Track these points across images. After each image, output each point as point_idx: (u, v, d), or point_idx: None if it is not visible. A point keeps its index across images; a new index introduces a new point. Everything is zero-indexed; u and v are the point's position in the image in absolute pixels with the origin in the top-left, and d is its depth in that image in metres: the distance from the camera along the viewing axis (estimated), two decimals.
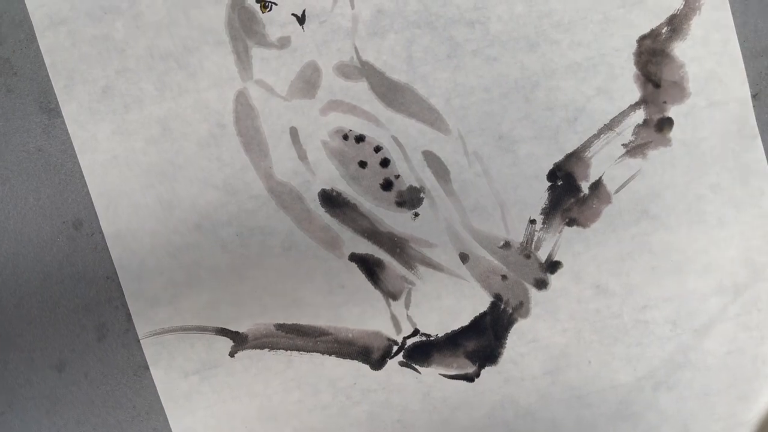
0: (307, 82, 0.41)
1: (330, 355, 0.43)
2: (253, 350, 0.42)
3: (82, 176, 0.40)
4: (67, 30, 0.40)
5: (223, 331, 0.42)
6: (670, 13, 0.41)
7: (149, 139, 0.40)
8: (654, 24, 0.41)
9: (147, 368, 0.42)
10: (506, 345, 0.43)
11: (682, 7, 0.41)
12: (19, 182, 0.40)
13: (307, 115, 0.41)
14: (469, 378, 0.43)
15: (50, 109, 0.40)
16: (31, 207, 0.40)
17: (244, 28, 0.40)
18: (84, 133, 0.40)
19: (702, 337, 0.43)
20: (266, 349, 0.42)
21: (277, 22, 0.40)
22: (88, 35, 0.40)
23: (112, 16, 0.40)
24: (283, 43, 0.40)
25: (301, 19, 0.40)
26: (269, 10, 0.40)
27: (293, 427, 0.43)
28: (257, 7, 0.40)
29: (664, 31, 0.41)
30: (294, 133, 0.41)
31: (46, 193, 0.40)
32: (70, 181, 0.40)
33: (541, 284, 0.43)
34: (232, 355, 0.42)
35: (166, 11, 0.40)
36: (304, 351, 0.42)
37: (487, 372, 0.43)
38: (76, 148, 0.40)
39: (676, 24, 0.41)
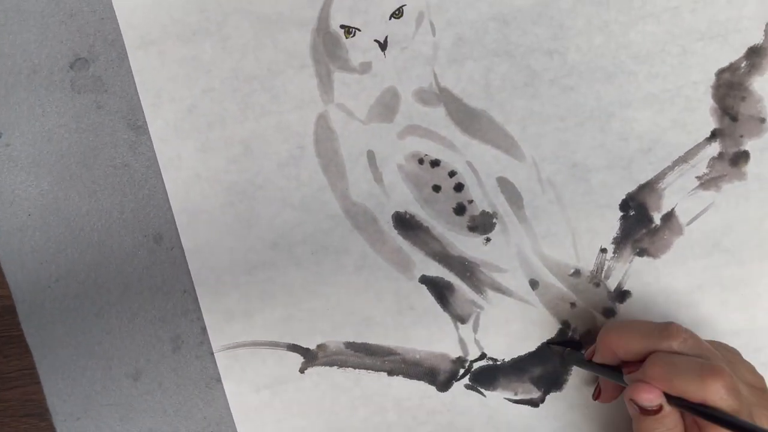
0: (386, 106, 0.40)
1: (397, 375, 0.42)
2: (323, 367, 0.41)
3: (165, 192, 0.40)
4: (157, 50, 0.40)
5: (294, 347, 0.41)
6: (750, 47, 0.40)
7: (231, 158, 0.40)
8: (733, 58, 0.40)
9: (219, 381, 0.42)
10: (572, 372, 0.42)
11: (761, 42, 0.39)
12: (105, 196, 0.40)
13: (384, 139, 0.40)
14: (534, 403, 0.42)
15: (137, 126, 0.40)
16: (115, 220, 0.41)
17: (328, 53, 0.40)
18: (169, 151, 0.40)
19: None
20: (335, 367, 0.42)
21: (359, 47, 0.39)
22: (177, 56, 0.40)
23: (200, 37, 0.39)
24: (365, 68, 0.40)
25: (383, 46, 0.39)
26: (353, 36, 0.39)
27: None
28: (341, 32, 0.39)
29: (743, 65, 0.40)
30: (371, 156, 0.40)
31: (129, 207, 0.41)
32: (153, 196, 0.40)
33: (610, 313, 0.41)
34: (302, 371, 0.41)
35: (252, 34, 0.40)
36: (372, 370, 0.42)
37: (551, 398, 0.42)
38: (160, 165, 0.40)
39: (755, 58, 0.40)
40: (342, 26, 0.39)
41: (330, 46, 0.39)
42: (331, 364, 0.41)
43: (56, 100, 0.39)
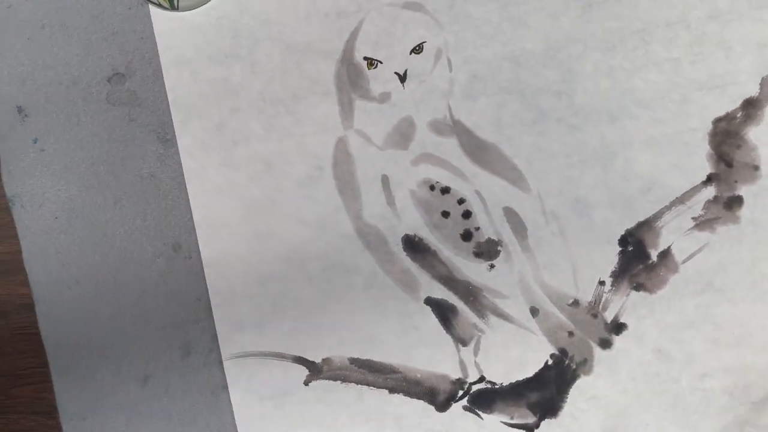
0: (403, 134, 0.43)
1: (398, 393, 0.43)
2: (327, 381, 0.43)
3: (188, 203, 0.42)
4: (190, 70, 0.42)
5: (300, 360, 0.43)
6: (746, 99, 0.43)
7: (253, 175, 0.42)
8: (730, 108, 0.42)
9: (225, 389, 0.43)
10: (567, 400, 0.43)
11: (757, 94, 0.42)
12: (130, 204, 0.42)
13: (399, 165, 0.42)
14: (529, 428, 0.43)
15: (166, 139, 0.42)
16: (137, 227, 0.43)
17: (351, 82, 0.42)
18: (195, 164, 0.42)
19: (759, 412, 0.43)
20: (339, 381, 0.43)
21: (380, 78, 0.42)
22: (208, 76, 0.42)
23: (231, 60, 0.42)
24: (384, 98, 0.42)
25: (402, 78, 0.42)
26: (375, 68, 0.42)
27: None
28: (364, 64, 0.42)
29: (739, 115, 0.42)
30: (385, 180, 0.43)
31: (152, 216, 0.42)
32: (175, 207, 0.42)
33: (606, 344, 0.43)
34: (306, 383, 0.42)
35: (281, 61, 0.42)
36: (374, 386, 0.43)
37: (546, 424, 0.43)
38: (185, 177, 0.42)
39: (750, 109, 0.42)
40: (365, 58, 0.42)
41: (353, 76, 0.42)
42: (334, 379, 0.42)
43: (92, 111, 0.42)
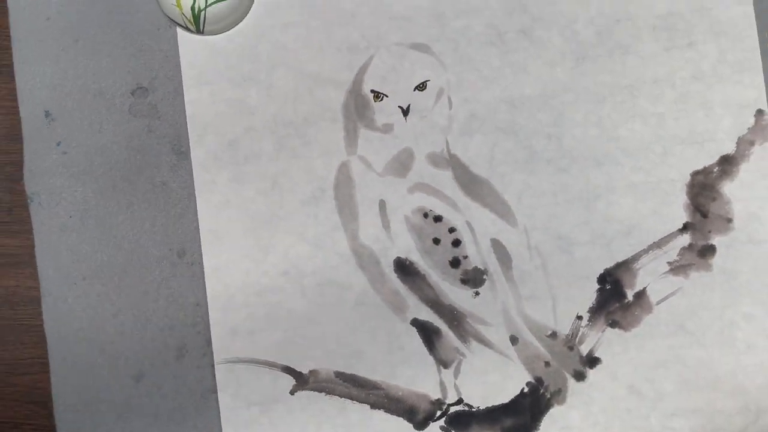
0: (402, 164, 0.46)
1: (379, 408, 0.45)
2: (312, 392, 0.45)
3: (196, 212, 0.45)
4: (210, 90, 0.45)
5: (288, 370, 0.45)
6: (722, 156, 0.46)
7: (260, 191, 0.45)
8: (707, 163, 0.45)
9: (214, 392, 0.44)
10: (540, 427, 0.45)
11: (733, 152, 0.46)
12: (141, 209, 0.45)
13: (396, 192, 0.45)
14: None
15: (181, 151, 0.45)
16: (146, 231, 0.45)
17: (357, 112, 0.45)
18: (206, 176, 0.45)
19: None
20: (323, 393, 0.45)
21: (385, 111, 0.45)
22: (226, 96, 0.45)
23: (249, 83, 0.45)
24: (387, 129, 0.45)
25: (405, 112, 0.45)
26: (380, 101, 0.45)
27: None
28: (371, 96, 0.45)
29: (715, 170, 0.46)
30: (382, 204, 0.45)
31: (161, 222, 0.45)
32: (184, 215, 0.45)
33: (580, 376, 0.45)
34: (292, 393, 0.44)
35: (294, 87, 0.45)
36: (357, 401, 0.45)
37: None
38: (196, 188, 0.45)
39: (726, 166, 0.46)
40: (372, 91, 0.45)
41: (360, 106, 0.45)
42: (320, 390, 0.44)
43: (114, 120, 0.45)
